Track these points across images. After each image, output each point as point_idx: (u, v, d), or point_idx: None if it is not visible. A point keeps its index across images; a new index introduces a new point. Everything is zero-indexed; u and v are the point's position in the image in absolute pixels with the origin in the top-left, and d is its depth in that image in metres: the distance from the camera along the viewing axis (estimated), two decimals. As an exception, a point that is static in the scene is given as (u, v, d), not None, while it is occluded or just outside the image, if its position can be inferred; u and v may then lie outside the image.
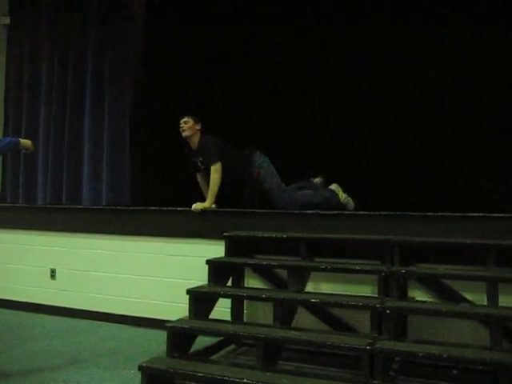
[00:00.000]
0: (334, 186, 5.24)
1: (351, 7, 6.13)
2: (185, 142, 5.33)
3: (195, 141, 5.25)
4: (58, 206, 5.90)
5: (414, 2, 5.86)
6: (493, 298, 3.69)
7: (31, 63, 6.85)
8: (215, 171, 5.02)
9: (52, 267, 5.55)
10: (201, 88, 6.64)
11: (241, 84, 6.46)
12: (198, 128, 5.26)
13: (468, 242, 3.89)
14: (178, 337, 3.92)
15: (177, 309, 4.50)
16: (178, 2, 6.71)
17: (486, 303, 3.77)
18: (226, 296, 4.26)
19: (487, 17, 5.54)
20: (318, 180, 5.43)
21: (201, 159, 5.20)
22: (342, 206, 5.07)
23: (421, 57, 5.93)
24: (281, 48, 6.40)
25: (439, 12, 5.77)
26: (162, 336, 3.96)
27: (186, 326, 3.96)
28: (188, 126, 5.23)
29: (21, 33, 6.95)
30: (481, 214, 4.12)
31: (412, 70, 5.94)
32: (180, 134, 5.28)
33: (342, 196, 5.15)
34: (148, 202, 6.13)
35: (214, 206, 5.00)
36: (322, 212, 4.61)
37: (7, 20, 6.94)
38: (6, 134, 6.68)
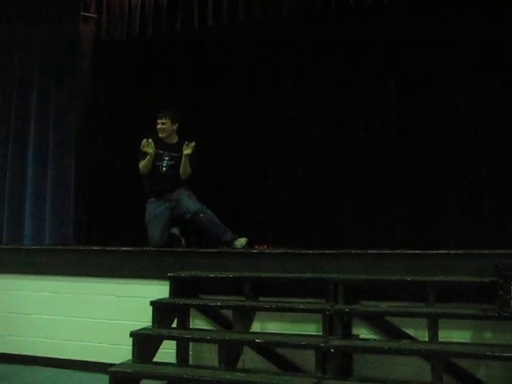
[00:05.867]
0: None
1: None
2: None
3: (172, 139, 5.27)
4: (-3, 247, 5.70)
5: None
6: (433, 334, 3.77)
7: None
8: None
9: (-12, 310, 5.33)
10: (148, 127, 6.64)
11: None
12: (175, 128, 5.28)
13: (408, 279, 3.98)
14: (121, 381, 3.86)
15: (122, 351, 4.36)
16: (127, 43, 6.75)
17: (427, 339, 3.84)
18: (170, 338, 4.20)
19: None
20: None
21: (174, 155, 5.17)
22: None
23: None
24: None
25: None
26: (105, 380, 3.85)
27: (129, 370, 3.89)
28: (165, 127, 5.22)
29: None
30: (419, 252, 4.23)
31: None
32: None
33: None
34: (92, 242, 6.05)
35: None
36: (267, 251, 4.64)
37: None
38: None
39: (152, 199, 5.27)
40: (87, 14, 7.00)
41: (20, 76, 6.52)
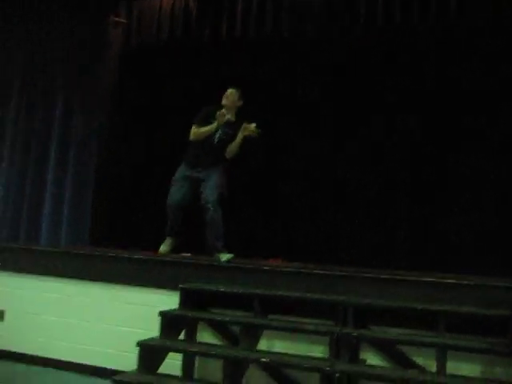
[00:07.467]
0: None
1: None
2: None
3: (231, 113, 5.18)
4: (10, 245, 5.73)
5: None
6: (441, 365, 3.71)
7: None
8: None
9: (1, 308, 5.37)
10: (166, 136, 6.67)
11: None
12: (239, 104, 5.23)
13: (419, 307, 3.93)
14: (125, 391, 3.85)
15: (126, 359, 4.36)
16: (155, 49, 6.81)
17: (435, 369, 3.78)
18: (176, 351, 4.20)
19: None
20: None
21: (229, 131, 5.12)
22: None
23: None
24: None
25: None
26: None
27: (132, 381, 3.89)
28: (231, 98, 5.18)
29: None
30: (433, 279, 4.17)
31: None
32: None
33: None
34: (107, 244, 6.09)
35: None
36: (278, 268, 4.62)
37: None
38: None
39: (185, 166, 5.21)
40: (117, 19, 7.11)
41: (44, 82, 6.60)
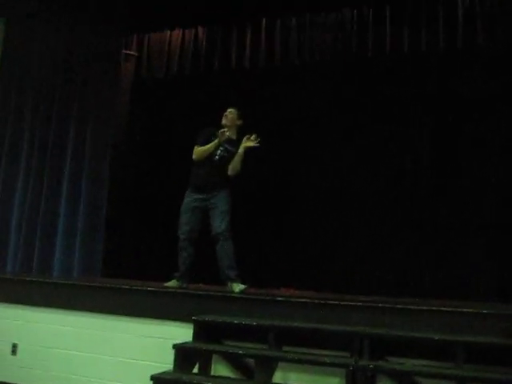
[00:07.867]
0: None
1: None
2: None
3: (232, 134, 5.22)
4: (23, 278, 5.72)
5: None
6: (461, 398, 3.64)
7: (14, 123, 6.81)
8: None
9: (14, 342, 5.34)
10: (177, 167, 6.72)
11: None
12: (238, 123, 5.28)
13: (436, 338, 3.87)
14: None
15: (141, 392, 4.35)
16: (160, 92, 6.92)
17: (454, 401, 3.71)
18: (190, 384, 4.14)
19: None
20: None
21: (229, 148, 5.14)
22: None
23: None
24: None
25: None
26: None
27: (147, 416, 3.83)
28: (231, 117, 5.23)
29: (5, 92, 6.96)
30: (450, 309, 4.12)
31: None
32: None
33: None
34: (119, 275, 6.09)
35: None
36: (292, 299, 4.58)
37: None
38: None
39: (191, 193, 5.18)
40: (128, 52, 7.23)
41: (58, 110, 6.67)
